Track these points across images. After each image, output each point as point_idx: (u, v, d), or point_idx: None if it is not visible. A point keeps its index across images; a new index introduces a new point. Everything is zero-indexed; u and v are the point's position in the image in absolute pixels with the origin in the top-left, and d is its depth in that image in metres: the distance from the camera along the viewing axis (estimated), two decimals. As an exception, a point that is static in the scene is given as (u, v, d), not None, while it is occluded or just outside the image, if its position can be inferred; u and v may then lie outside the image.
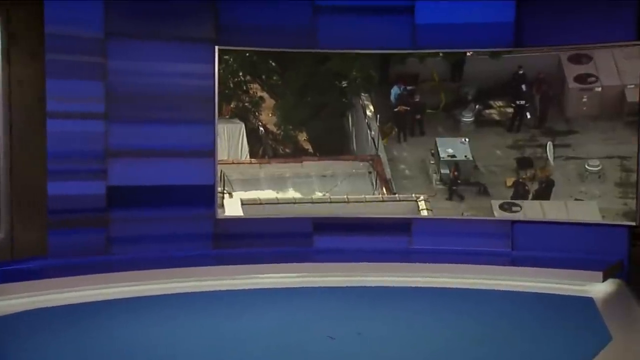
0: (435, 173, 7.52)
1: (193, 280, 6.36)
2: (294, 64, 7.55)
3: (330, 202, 7.50)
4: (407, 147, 7.64)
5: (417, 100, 7.59)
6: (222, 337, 5.09)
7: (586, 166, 7.11)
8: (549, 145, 7.23)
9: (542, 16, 7.15)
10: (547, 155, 7.22)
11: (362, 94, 7.66)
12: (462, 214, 7.47)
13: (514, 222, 7.36)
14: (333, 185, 7.53)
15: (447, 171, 7.45)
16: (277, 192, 7.56)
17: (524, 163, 7.36)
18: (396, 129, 7.65)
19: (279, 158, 7.66)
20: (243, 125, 7.49)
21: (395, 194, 7.60)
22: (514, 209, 7.38)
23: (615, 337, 4.86)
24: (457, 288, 6.38)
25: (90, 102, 6.84)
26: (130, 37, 6.97)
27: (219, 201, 7.32)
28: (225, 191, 7.33)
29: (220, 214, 7.35)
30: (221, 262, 6.86)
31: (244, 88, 7.57)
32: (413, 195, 7.55)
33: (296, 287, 6.38)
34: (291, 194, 7.56)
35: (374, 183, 7.59)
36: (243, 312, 5.72)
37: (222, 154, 7.39)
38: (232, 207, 7.39)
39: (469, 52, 7.37)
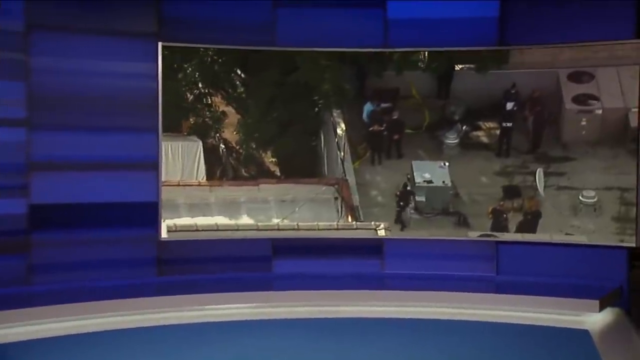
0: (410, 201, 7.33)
1: (132, 314, 6.13)
2: (259, 73, 7.40)
3: (279, 229, 7.27)
4: (382, 171, 7.40)
5: (395, 118, 7.33)
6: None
7: (580, 197, 6.91)
8: (539, 172, 7.00)
9: (531, 10, 6.90)
10: (536, 184, 7.04)
11: (334, 110, 7.48)
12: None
13: (498, 242, 7.11)
14: (290, 212, 7.31)
15: (423, 199, 7.24)
16: (230, 219, 7.29)
17: (511, 192, 7.12)
18: (370, 151, 7.42)
19: (232, 180, 7.45)
20: (200, 143, 7.35)
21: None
22: (491, 241, 7.29)
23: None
24: (434, 319, 6.27)
25: (9, 106, 6.46)
26: (57, 30, 6.61)
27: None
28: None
29: (164, 235, 6.99)
30: (166, 291, 6.58)
31: (205, 101, 7.45)
32: (373, 223, 7.32)
33: (253, 320, 6.26)
34: (244, 220, 7.33)
35: (340, 210, 7.37)
36: (191, 350, 5.65)
37: (175, 174, 7.18)
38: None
39: (451, 48, 7.08)
